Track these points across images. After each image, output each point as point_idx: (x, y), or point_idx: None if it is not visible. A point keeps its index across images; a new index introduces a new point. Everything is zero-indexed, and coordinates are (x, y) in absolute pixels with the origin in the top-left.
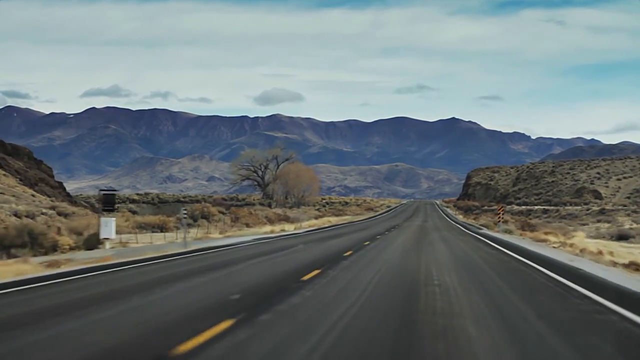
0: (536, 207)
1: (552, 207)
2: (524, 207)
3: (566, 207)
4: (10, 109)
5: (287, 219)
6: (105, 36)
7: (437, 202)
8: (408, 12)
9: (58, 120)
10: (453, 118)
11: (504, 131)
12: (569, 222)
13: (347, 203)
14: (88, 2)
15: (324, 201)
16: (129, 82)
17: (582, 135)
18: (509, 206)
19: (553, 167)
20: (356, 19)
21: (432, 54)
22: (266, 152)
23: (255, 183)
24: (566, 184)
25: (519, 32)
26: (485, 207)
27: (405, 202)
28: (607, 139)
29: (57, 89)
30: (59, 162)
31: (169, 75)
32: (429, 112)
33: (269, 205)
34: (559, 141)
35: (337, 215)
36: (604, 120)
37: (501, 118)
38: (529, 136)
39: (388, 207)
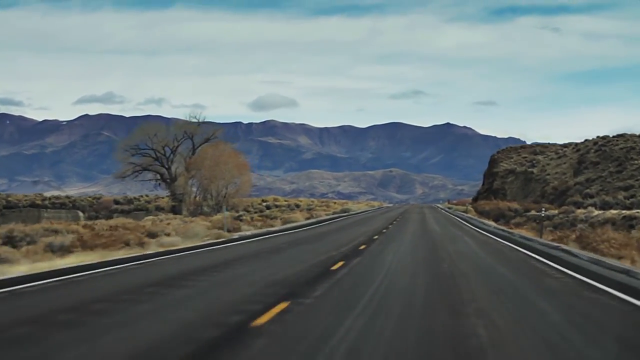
0: None
1: None
2: (609, 211)
3: None
4: (2, 116)
5: None
6: (101, 44)
7: (440, 205)
8: (405, 19)
9: (51, 127)
10: (447, 123)
11: (498, 136)
12: None
13: (297, 206)
14: (86, 12)
15: (265, 204)
16: (123, 89)
17: (576, 141)
18: (578, 210)
19: None
20: (353, 26)
21: (428, 61)
22: (173, 128)
23: (158, 176)
24: None
25: (514, 39)
26: (533, 212)
27: (390, 205)
28: None
29: (51, 96)
30: (51, 170)
31: (163, 82)
32: (424, 118)
33: (174, 211)
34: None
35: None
36: (599, 126)
37: (496, 123)
38: (524, 141)
39: (345, 212)
